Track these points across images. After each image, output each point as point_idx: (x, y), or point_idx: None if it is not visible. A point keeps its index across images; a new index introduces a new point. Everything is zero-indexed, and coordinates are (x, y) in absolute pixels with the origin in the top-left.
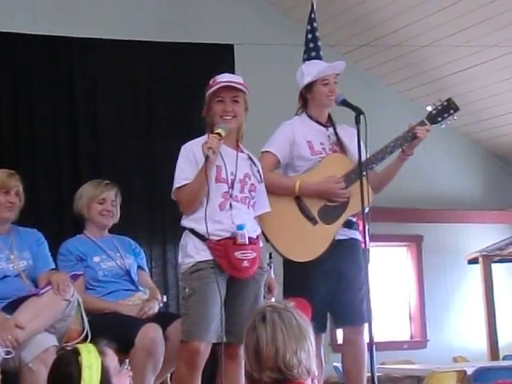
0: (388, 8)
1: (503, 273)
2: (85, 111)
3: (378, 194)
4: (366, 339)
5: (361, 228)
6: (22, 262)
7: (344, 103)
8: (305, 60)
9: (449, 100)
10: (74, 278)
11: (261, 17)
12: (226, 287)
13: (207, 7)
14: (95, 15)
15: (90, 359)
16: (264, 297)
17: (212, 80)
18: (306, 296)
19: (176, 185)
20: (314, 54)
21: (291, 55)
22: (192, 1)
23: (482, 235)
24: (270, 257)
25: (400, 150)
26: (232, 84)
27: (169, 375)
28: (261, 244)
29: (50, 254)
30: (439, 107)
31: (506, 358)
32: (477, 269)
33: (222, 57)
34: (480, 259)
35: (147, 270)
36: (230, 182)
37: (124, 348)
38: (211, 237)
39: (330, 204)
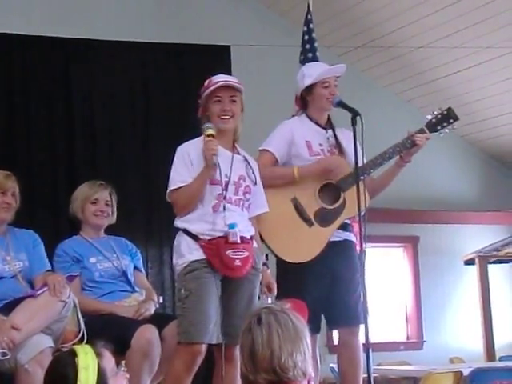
0: (384, 9)
1: (499, 274)
2: (81, 112)
3: None
4: (362, 340)
5: (355, 230)
6: (18, 264)
7: (340, 104)
8: (301, 61)
9: (449, 109)
10: (70, 279)
11: (257, 18)
12: (221, 288)
13: (204, 8)
14: (92, 16)
15: (87, 360)
16: (259, 297)
17: (207, 81)
18: (299, 296)
19: (172, 187)
20: (310, 55)
21: (288, 56)
22: (188, 2)
23: (478, 236)
24: (267, 258)
25: (399, 157)
26: (231, 83)
27: None
28: (255, 244)
29: (46, 255)
30: (439, 116)
31: (502, 358)
32: (473, 270)
33: (218, 58)
34: (476, 260)
35: (143, 271)
36: (224, 183)
37: (120, 349)
38: (203, 236)
39: (327, 207)
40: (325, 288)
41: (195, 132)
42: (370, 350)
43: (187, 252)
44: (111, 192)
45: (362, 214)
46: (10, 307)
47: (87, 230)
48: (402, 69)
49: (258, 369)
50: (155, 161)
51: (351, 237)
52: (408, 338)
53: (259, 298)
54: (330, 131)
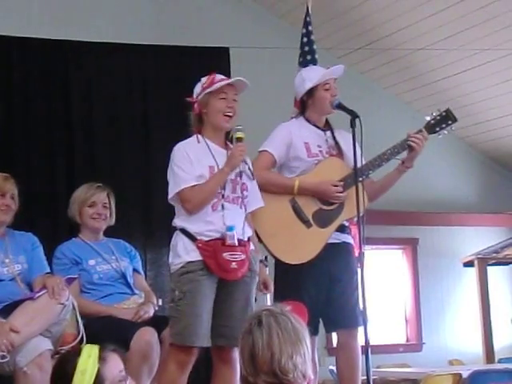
0: (383, 12)
1: (499, 276)
2: (80, 114)
3: None
4: (361, 342)
5: (353, 233)
6: (17, 266)
7: (339, 107)
8: (300, 63)
9: (447, 111)
10: (69, 281)
11: (256, 20)
12: (216, 289)
13: (203, 10)
14: (91, 18)
15: (87, 364)
16: (255, 299)
17: (210, 78)
18: (298, 298)
19: (184, 185)
20: (309, 57)
21: (286, 58)
22: (188, 4)
23: (477, 238)
24: (266, 259)
25: (400, 162)
26: (240, 81)
27: None
28: (252, 247)
29: (45, 257)
30: (438, 117)
31: (501, 361)
32: (472, 272)
33: (217, 60)
34: (475, 262)
35: (143, 274)
36: None
37: None
38: (201, 237)
39: (325, 208)
40: (323, 290)
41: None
42: (369, 352)
43: (184, 252)
44: (109, 193)
45: (361, 215)
46: (8, 310)
47: (86, 232)
48: (402, 71)
49: (258, 371)
50: (154, 163)
51: (349, 239)
52: (407, 340)
53: (256, 299)
54: (329, 133)
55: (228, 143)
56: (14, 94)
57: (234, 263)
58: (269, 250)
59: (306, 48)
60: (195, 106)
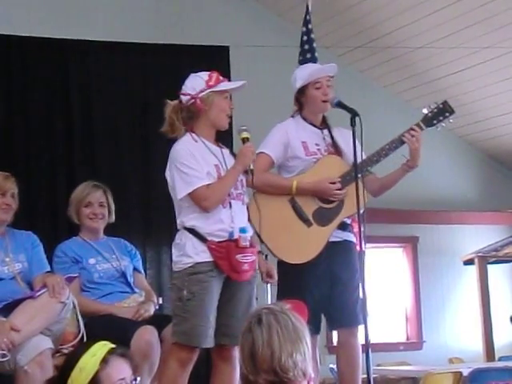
0: (383, 10)
1: (499, 274)
2: (80, 113)
3: None
4: (361, 341)
5: (355, 230)
6: (17, 265)
7: (339, 105)
8: (300, 61)
9: (444, 103)
10: (70, 280)
11: (256, 18)
12: (221, 288)
13: (202, 9)
14: (90, 17)
15: (87, 363)
16: (257, 298)
17: (214, 76)
18: (300, 297)
19: (198, 184)
20: (309, 55)
21: (286, 57)
22: (187, 3)
23: (477, 236)
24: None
25: (405, 160)
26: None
27: None
28: (258, 247)
29: (45, 256)
30: (435, 110)
31: (501, 359)
32: (472, 270)
33: (217, 58)
34: (476, 260)
35: (143, 273)
36: None
37: None
38: (211, 238)
39: (325, 206)
40: (325, 289)
41: None
42: (370, 351)
43: (193, 252)
44: (106, 191)
45: (361, 212)
46: (9, 308)
47: (86, 232)
48: (401, 69)
49: (258, 369)
50: (154, 162)
51: (351, 237)
52: (407, 338)
53: (257, 298)
54: (326, 131)
55: (219, 142)
56: (14, 93)
57: (246, 265)
58: (270, 250)
59: (306, 46)
60: (198, 102)
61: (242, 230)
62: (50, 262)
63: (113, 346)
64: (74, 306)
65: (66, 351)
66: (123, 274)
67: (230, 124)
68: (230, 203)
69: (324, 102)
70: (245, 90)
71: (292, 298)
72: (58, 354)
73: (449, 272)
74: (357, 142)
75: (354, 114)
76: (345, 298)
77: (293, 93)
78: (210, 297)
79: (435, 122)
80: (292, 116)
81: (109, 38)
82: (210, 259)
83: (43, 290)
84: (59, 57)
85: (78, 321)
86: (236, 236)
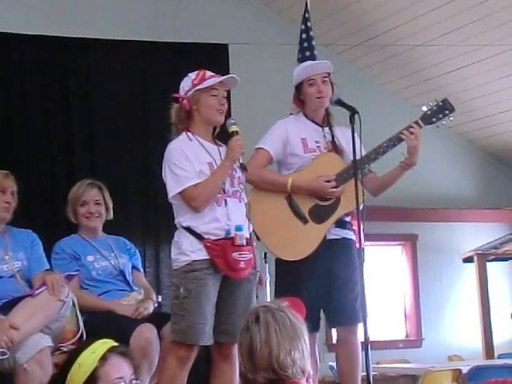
0: (382, 7)
1: (498, 271)
2: (79, 111)
3: None
4: (360, 339)
5: (355, 228)
6: (16, 263)
7: (338, 103)
8: (299, 59)
9: (444, 100)
10: (69, 278)
11: (255, 16)
12: (220, 286)
13: (201, 7)
14: (89, 15)
15: (86, 359)
16: (257, 296)
17: (200, 74)
18: (298, 295)
19: (189, 183)
20: (308, 53)
21: (285, 55)
22: (186, 1)
23: (476, 234)
24: (265, 256)
25: (403, 159)
26: (233, 79)
27: None
28: (254, 243)
29: (44, 254)
30: (434, 107)
31: (501, 356)
32: (472, 267)
33: (216, 56)
34: (475, 258)
35: (142, 271)
36: None
37: None
38: (208, 236)
39: (321, 204)
40: (323, 286)
41: None
42: (369, 348)
43: (190, 250)
44: (101, 188)
45: (360, 209)
46: (8, 307)
47: (84, 230)
48: (400, 67)
49: (256, 367)
50: (153, 161)
51: (350, 235)
52: (407, 335)
53: (257, 297)
54: (327, 128)
55: (216, 140)
56: (14, 92)
57: (242, 263)
58: (267, 248)
59: (305, 44)
60: (185, 102)
61: (238, 228)
62: (49, 260)
63: (114, 344)
64: (74, 304)
65: (65, 349)
66: (121, 272)
67: None
68: (225, 201)
69: (318, 98)
70: (244, 88)
71: (289, 296)
72: (58, 352)
73: (448, 270)
74: (356, 138)
75: (353, 111)
76: (344, 295)
77: (292, 90)
78: (206, 294)
79: (434, 119)
80: (291, 114)
81: (109, 36)
82: (207, 257)
83: (42, 288)
84: (59, 55)
85: (77, 319)
86: (232, 234)
